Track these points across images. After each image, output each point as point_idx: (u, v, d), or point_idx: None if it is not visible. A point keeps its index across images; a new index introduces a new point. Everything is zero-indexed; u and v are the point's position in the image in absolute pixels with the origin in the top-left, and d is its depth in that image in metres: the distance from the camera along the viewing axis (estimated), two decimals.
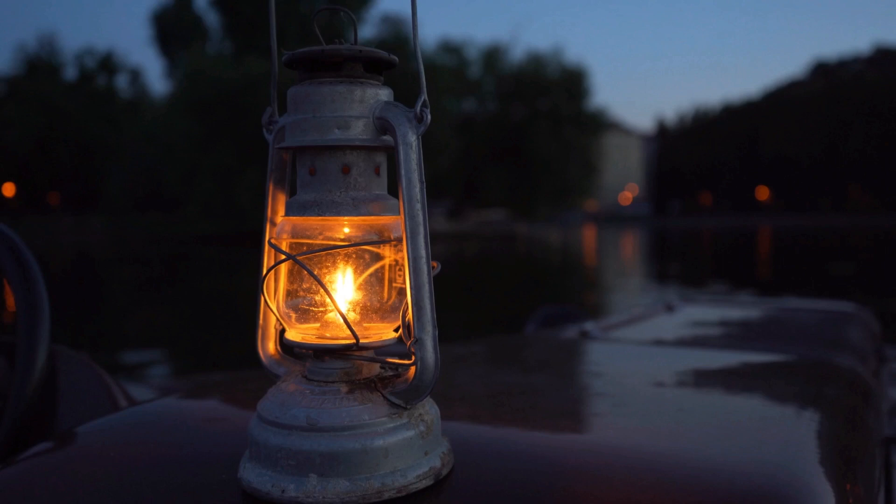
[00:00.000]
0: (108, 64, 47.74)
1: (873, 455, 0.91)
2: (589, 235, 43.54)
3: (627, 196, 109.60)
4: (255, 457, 0.58)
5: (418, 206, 0.56)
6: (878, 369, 1.52)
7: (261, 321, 0.65)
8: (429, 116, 0.57)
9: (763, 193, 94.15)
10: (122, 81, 49.14)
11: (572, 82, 45.19)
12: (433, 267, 0.58)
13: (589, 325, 1.78)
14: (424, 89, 0.57)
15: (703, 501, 0.57)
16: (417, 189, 0.56)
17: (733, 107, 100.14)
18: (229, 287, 13.53)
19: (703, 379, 1.09)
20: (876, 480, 0.87)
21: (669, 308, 2.20)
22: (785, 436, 0.75)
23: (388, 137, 0.58)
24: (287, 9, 39.85)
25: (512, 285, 13.99)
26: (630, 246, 31.38)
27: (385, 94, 0.59)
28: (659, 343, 1.56)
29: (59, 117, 41.19)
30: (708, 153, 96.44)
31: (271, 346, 0.66)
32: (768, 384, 1.05)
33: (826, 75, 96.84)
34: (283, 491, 0.55)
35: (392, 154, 0.58)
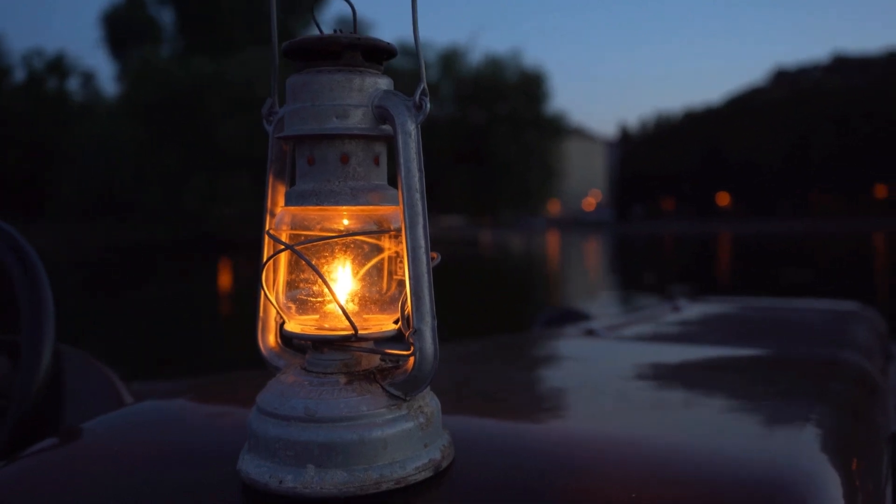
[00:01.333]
0: (59, 66, 46.37)
1: (881, 451, 0.92)
2: (553, 241, 43.22)
3: (591, 202, 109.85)
4: (253, 448, 0.58)
5: (417, 195, 0.56)
6: (885, 367, 1.51)
7: (261, 313, 0.65)
8: (428, 105, 0.57)
9: (724, 199, 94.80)
10: (74, 84, 47.69)
11: (531, 86, 44.83)
12: (432, 258, 0.57)
13: (595, 324, 1.77)
14: (424, 78, 0.57)
15: (710, 496, 0.57)
16: (417, 178, 0.56)
17: (695, 113, 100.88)
18: (167, 296, 13.11)
19: (709, 376, 1.09)
20: (883, 476, 0.88)
21: (675, 307, 2.17)
22: (792, 431, 0.76)
23: (387, 126, 0.58)
24: (236, 6, 38.93)
25: (486, 293, 13.81)
26: (593, 252, 31.40)
27: (384, 82, 0.59)
28: (664, 341, 1.56)
29: (5, 120, 39.77)
30: (670, 159, 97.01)
31: (271, 339, 0.66)
32: (774, 381, 1.04)
33: (786, 83, 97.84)
34: (280, 482, 0.55)
35: (391, 144, 0.58)
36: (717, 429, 0.76)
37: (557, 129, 47.43)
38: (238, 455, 0.60)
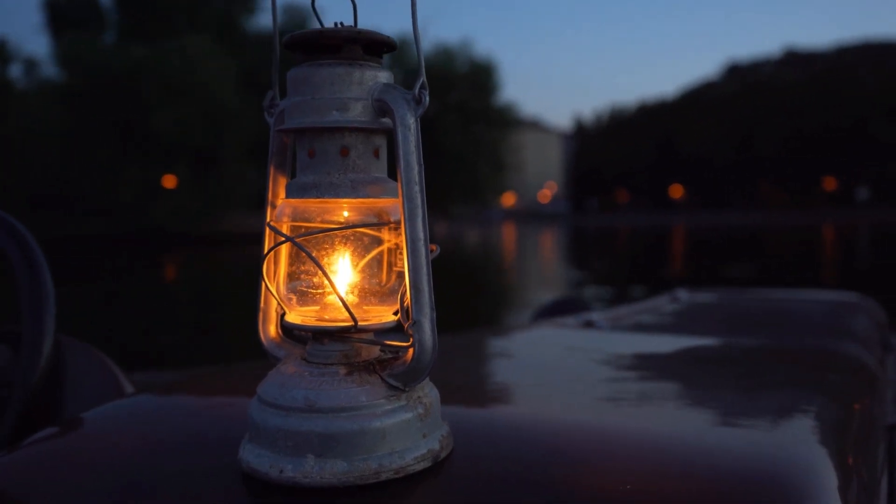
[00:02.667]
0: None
1: (878, 442, 0.92)
2: (508, 234, 42.84)
3: (546, 194, 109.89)
4: (254, 438, 0.59)
5: (417, 188, 0.57)
6: (883, 358, 1.51)
7: (262, 304, 0.66)
8: (427, 98, 0.57)
9: (678, 191, 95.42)
10: (16, 71, 45.85)
11: (481, 76, 44.26)
12: (432, 250, 0.58)
13: (594, 316, 1.76)
14: (423, 71, 0.57)
15: (707, 486, 0.57)
16: (416, 171, 0.57)
17: (649, 106, 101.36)
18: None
19: (707, 367, 1.09)
20: (880, 466, 0.89)
21: (674, 299, 2.16)
22: (789, 422, 0.76)
23: (386, 120, 0.59)
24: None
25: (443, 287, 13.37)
26: (549, 245, 31.53)
27: (384, 76, 0.59)
28: (663, 332, 1.56)
29: None
30: (624, 152, 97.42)
31: (272, 330, 0.66)
32: (773, 371, 1.05)
33: (739, 77, 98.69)
34: (280, 471, 0.55)
35: (391, 137, 0.59)
36: (714, 420, 0.77)
37: (507, 120, 46.95)
38: (238, 445, 0.60)
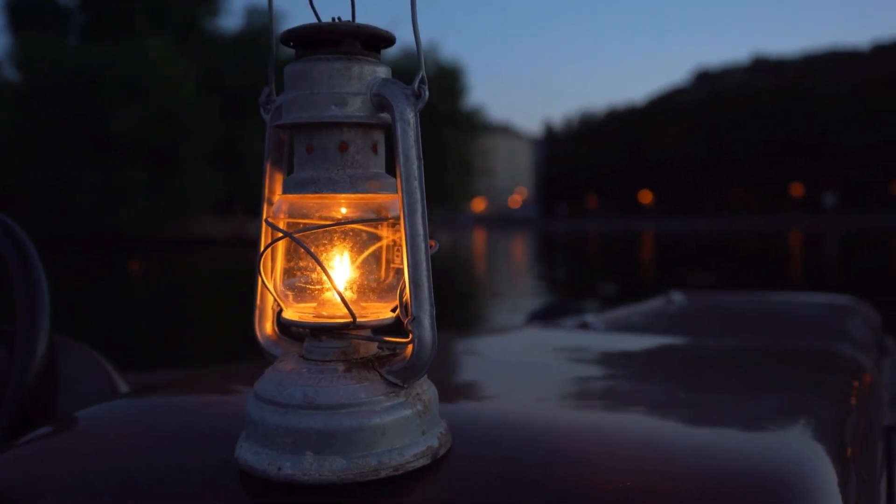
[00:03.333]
0: None
1: (875, 443, 0.93)
2: (479, 239, 42.58)
3: (517, 199, 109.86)
4: (251, 436, 0.58)
5: (416, 183, 0.56)
6: (879, 360, 1.51)
7: (258, 301, 0.65)
8: (427, 93, 0.57)
9: (647, 197, 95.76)
10: None
11: (447, 80, 43.97)
12: (431, 246, 0.57)
13: (589, 317, 1.76)
14: (423, 66, 0.57)
15: (703, 485, 0.57)
16: (415, 166, 0.56)
17: (618, 112, 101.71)
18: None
19: (703, 368, 1.09)
20: (878, 467, 0.89)
21: (669, 301, 2.16)
22: (787, 423, 0.76)
23: (385, 115, 0.58)
24: None
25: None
26: (519, 250, 31.46)
27: (383, 71, 0.59)
28: (658, 334, 1.55)
29: None
30: (594, 157, 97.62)
31: (268, 327, 0.66)
32: (769, 372, 1.05)
33: (708, 83, 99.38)
34: (279, 469, 0.55)
35: (389, 132, 0.58)
36: (711, 420, 0.76)
37: (474, 124, 46.63)
38: (234, 443, 0.60)
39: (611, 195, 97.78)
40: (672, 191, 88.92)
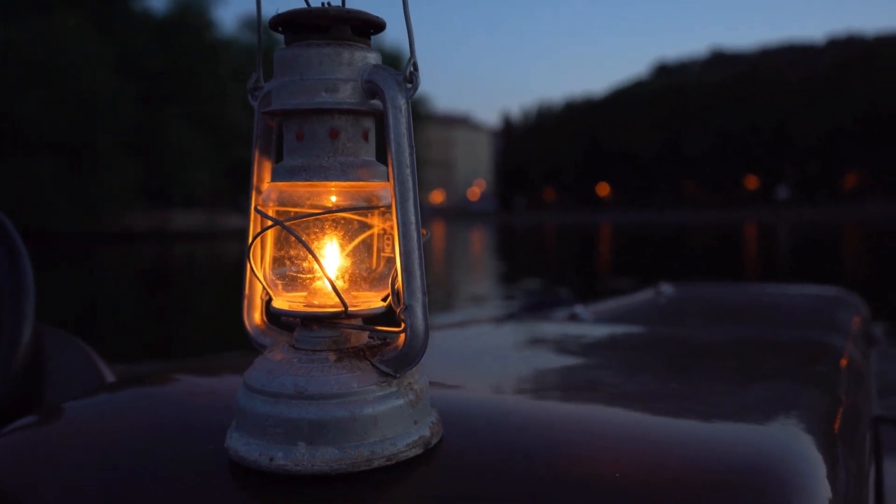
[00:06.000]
0: None
1: (864, 433, 0.93)
2: (437, 232, 42.01)
3: (476, 192, 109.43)
4: (242, 426, 0.58)
5: (408, 171, 0.56)
6: (867, 351, 1.51)
7: (247, 291, 0.65)
8: (419, 79, 0.57)
9: (604, 189, 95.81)
10: None
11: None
12: (423, 234, 0.57)
13: (578, 309, 1.76)
14: (414, 51, 0.57)
15: (692, 475, 0.57)
16: (407, 154, 0.56)
17: (575, 104, 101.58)
18: None
19: (692, 358, 1.09)
20: (867, 457, 0.90)
21: (658, 292, 2.17)
22: (775, 412, 0.76)
23: (376, 102, 0.58)
24: None
25: None
26: (479, 245, 31.15)
27: (374, 57, 0.58)
28: (647, 325, 1.56)
29: None
30: (551, 149, 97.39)
31: (257, 317, 0.65)
32: (757, 363, 1.05)
33: (667, 76, 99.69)
34: (271, 459, 0.55)
35: (380, 119, 0.58)
36: (700, 410, 0.76)
37: (419, 114, 45.86)
38: (224, 432, 0.59)
39: (568, 188, 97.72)
40: (628, 184, 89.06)
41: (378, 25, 0.59)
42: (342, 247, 0.59)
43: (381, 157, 0.59)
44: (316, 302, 0.59)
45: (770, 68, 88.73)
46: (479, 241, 32.63)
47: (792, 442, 0.66)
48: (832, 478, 0.63)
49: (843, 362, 1.10)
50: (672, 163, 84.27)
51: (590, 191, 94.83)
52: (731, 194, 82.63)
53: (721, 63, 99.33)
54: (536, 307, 2.44)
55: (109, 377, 0.98)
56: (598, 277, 13.23)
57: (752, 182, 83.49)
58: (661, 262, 16.44)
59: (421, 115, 46.54)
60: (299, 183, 0.58)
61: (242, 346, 0.69)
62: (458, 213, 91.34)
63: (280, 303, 0.60)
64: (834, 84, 78.20)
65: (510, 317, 2.34)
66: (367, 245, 0.60)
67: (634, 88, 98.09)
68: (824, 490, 0.59)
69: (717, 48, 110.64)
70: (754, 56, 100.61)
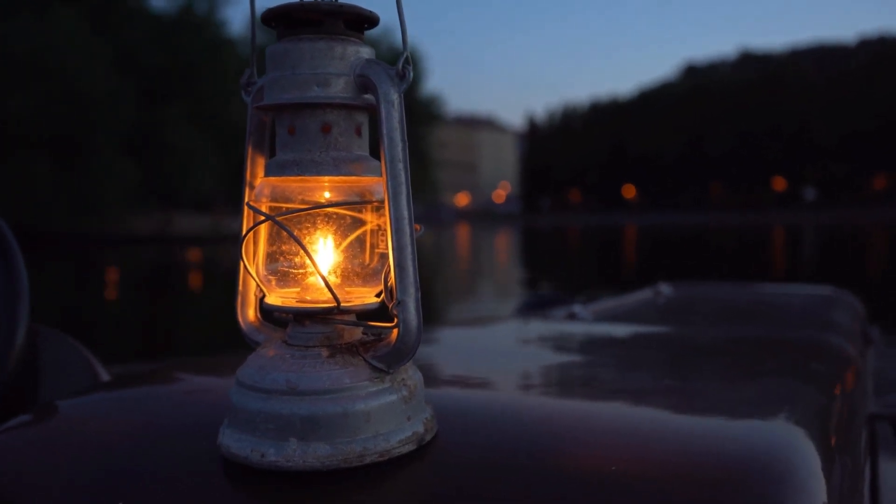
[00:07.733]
0: None
1: (860, 431, 0.94)
2: (462, 235, 42.06)
3: (501, 194, 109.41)
4: (234, 422, 0.57)
5: (400, 165, 0.56)
6: (863, 349, 1.52)
7: (240, 287, 0.65)
8: (411, 74, 0.56)
9: (630, 191, 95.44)
10: None
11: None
12: (416, 229, 0.57)
13: (577, 308, 1.76)
14: (407, 46, 0.57)
15: (688, 471, 0.57)
16: (399, 149, 0.56)
17: (601, 105, 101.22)
18: None
19: (690, 356, 1.10)
20: (862, 455, 0.90)
21: (657, 292, 2.18)
22: (772, 410, 0.76)
23: (369, 96, 0.57)
24: None
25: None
26: (504, 251, 30.54)
27: (366, 51, 0.58)
28: (645, 324, 1.56)
29: None
30: (577, 151, 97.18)
31: (251, 313, 0.65)
32: (755, 361, 1.05)
33: (695, 77, 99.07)
34: (262, 455, 0.54)
35: (373, 114, 0.58)
36: (697, 408, 0.76)
37: (432, 115, 45.71)
38: (217, 430, 0.59)
39: (593, 190, 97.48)
40: (654, 185, 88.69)
41: (371, 20, 0.58)
42: (335, 242, 0.58)
43: (375, 152, 0.58)
44: (308, 298, 0.59)
45: (797, 69, 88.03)
46: (503, 246, 32.36)
47: (788, 439, 0.66)
48: (828, 474, 0.63)
49: (840, 361, 1.12)
50: (698, 164, 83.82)
51: (615, 193, 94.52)
52: (758, 196, 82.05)
53: (750, 64, 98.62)
54: (535, 306, 2.45)
55: (104, 376, 0.99)
56: (624, 285, 13.19)
57: (779, 184, 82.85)
58: (687, 267, 16.45)
59: (434, 115, 46.27)
60: (291, 178, 0.57)
61: (239, 346, 0.70)
62: (482, 216, 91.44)
63: (273, 299, 0.60)
64: (862, 84, 77.41)
65: (509, 316, 2.33)
66: (360, 240, 0.59)
67: (661, 90, 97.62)
68: (820, 486, 0.59)
69: (746, 49, 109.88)
70: (783, 56, 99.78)
